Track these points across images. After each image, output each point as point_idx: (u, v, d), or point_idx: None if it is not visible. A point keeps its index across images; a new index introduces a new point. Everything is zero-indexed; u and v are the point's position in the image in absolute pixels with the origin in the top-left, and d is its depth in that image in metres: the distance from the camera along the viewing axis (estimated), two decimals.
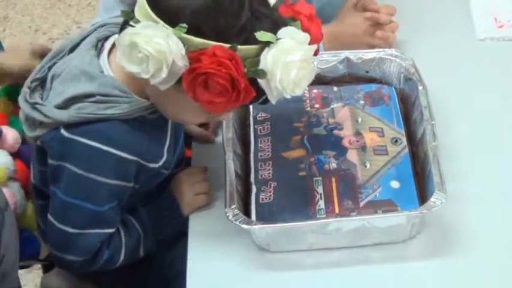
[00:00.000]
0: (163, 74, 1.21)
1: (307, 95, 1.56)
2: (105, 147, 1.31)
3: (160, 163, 1.38)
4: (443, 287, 1.35)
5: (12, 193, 1.42)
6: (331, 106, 1.54)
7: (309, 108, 1.54)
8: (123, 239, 1.41)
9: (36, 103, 1.34)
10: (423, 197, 1.38)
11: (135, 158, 1.33)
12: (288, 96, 1.27)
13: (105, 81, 1.31)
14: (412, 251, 1.39)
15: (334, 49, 1.63)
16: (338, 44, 1.67)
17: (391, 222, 1.36)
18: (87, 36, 1.38)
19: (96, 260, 1.39)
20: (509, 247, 1.40)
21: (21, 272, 1.55)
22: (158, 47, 1.19)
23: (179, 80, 1.23)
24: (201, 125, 1.59)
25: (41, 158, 1.38)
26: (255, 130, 1.51)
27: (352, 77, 1.60)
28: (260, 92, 1.26)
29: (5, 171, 1.42)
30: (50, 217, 1.37)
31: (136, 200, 1.45)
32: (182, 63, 1.21)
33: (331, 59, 1.59)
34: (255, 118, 1.53)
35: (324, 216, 1.37)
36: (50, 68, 1.38)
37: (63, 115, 1.31)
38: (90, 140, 1.30)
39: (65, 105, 1.32)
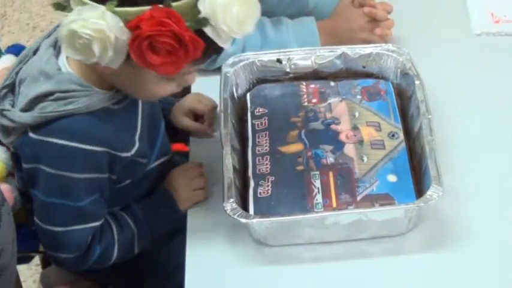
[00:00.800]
0: (110, 52, 1.20)
1: (305, 90, 1.57)
2: (71, 143, 1.31)
3: (133, 151, 1.38)
4: (441, 280, 1.36)
5: (11, 188, 1.42)
6: (329, 101, 1.55)
7: (306, 103, 1.55)
8: (115, 235, 1.42)
9: (3, 109, 1.35)
10: (420, 190, 1.39)
11: (103, 149, 1.33)
12: (239, 37, 1.26)
13: (62, 78, 1.31)
14: (410, 244, 1.40)
15: (331, 44, 1.65)
16: (334, 39, 1.68)
17: (388, 215, 1.36)
18: (49, 36, 1.39)
19: (89, 256, 1.40)
20: (505, 239, 1.40)
21: (20, 268, 1.57)
22: (96, 26, 1.18)
23: (129, 55, 1.22)
24: (196, 119, 1.60)
25: (18, 163, 1.39)
26: (253, 125, 1.52)
27: (349, 72, 1.61)
28: (210, 42, 1.24)
29: (4, 167, 1.43)
30: (35, 220, 1.39)
31: (129, 198, 1.46)
32: (125, 36, 1.20)
33: (328, 54, 1.60)
34: (252, 113, 1.54)
35: (322, 210, 1.37)
36: (17, 73, 1.39)
37: (28, 118, 1.32)
38: (55, 139, 1.31)
39: (28, 107, 1.32)
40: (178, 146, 1.70)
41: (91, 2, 1.20)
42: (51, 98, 1.31)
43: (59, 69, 1.33)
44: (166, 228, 1.47)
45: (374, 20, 1.70)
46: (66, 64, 1.33)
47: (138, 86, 1.32)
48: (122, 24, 1.19)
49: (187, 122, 1.59)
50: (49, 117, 1.31)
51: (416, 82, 1.52)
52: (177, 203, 1.46)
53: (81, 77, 1.32)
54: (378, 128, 1.49)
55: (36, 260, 1.81)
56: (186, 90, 1.66)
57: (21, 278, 1.65)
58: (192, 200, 1.47)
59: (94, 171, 1.35)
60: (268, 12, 1.70)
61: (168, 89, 1.34)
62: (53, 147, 1.31)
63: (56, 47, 1.36)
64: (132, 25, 1.19)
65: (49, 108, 1.30)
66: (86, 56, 1.22)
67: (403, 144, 1.46)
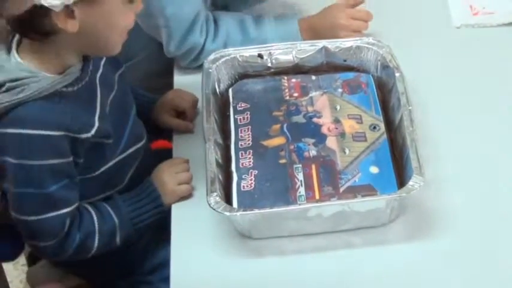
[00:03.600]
0: None
1: (286, 85, 1.58)
2: (26, 131, 1.31)
3: (93, 132, 1.37)
4: (424, 269, 1.37)
5: None
6: (310, 95, 1.56)
7: (288, 97, 1.56)
8: (96, 224, 1.43)
9: None
10: (402, 181, 1.40)
11: (61, 133, 1.33)
12: None
13: (10, 67, 1.32)
14: (392, 234, 1.41)
15: (312, 40, 1.65)
16: (316, 37, 1.68)
17: (371, 206, 1.38)
18: None
19: (68, 243, 1.41)
20: (486, 228, 1.42)
21: (6, 268, 1.59)
22: None
23: None
24: (178, 116, 1.62)
25: None
26: (235, 120, 1.53)
27: (330, 66, 1.62)
28: None
29: None
30: (11, 212, 1.39)
31: (108, 188, 1.47)
32: None
33: (309, 49, 1.61)
34: (235, 108, 1.55)
35: (305, 202, 1.38)
36: None
37: None
38: (12, 129, 1.32)
39: None
40: (161, 143, 1.72)
41: None
42: (3, 89, 1.31)
43: (8, 60, 1.34)
44: (149, 221, 1.48)
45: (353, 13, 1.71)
46: (17, 55, 1.34)
47: (108, 24, 1.31)
48: None
49: (169, 119, 1.61)
50: (3, 109, 1.31)
51: (397, 74, 1.53)
52: (161, 197, 1.48)
53: (30, 65, 1.32)
54: (359, 121, 1.50)
55: (23, 259, 1.82)
56: (168, 86, 1.69)
57: (8, 279, 1.66)
58: (177, 194, 1.48)
59: (56, 157, 1.34)
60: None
61: (132, 15, 1.34)
62: (11, 138, 1.32)
63: (8, 42, 1.36)
64: None
65: (3, 100, 1.31)
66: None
67: (385, 136, 1.48)
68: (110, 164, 1.45)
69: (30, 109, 1.31)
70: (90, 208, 1.44)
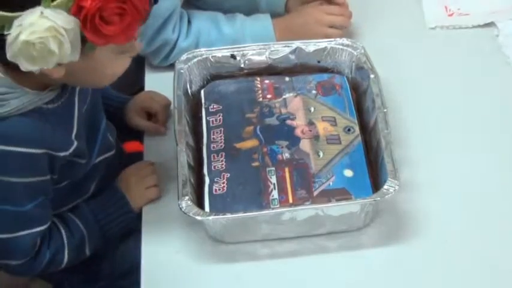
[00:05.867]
0: (66, 44, 1.17)
1: (259, 86, 1.58)
2: (7, 148, 1.29)
3: (71, 150, 1.36)
4: (398, 274, 1.37)
5: None
6: (284, 96, 1.56)
7: (261, 99, 1.56)
8: (64, 239, 1.41)
9: None
10: (376, 185, 1.40)
11: (42, 151, 1.32)
12: None
13: None
14: (367, 238, 1.41)
15: (286, 40, 1.64)
16: (289, 35, 1.68)
17: (345, 210, 1.37)
18: None
19: (38, 261, 1.39)
20: (461, 231, 1.42)
21: None
22: (43, 26, 1.15)
23: (83, 42, 1.20)
24: (150, 118, 1.61)
25: None
26: (207, 122, 1.52)
27: (304, 67, 1.62)
28: None
29: None
30: None
31: (74, 198, 1.46)
32: (72, 24, 1.17)
33: (282, 49, 1.61)
34: (207, 110, 1.54)
35: (278, 206, 1.38)
36: None
37: None
38: None
39: None
40: (132, 145, 1.71)
41: (23, 12, 1.17)
42: None
43: None
44: (118, 228, 1.47)
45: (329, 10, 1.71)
46: None
47: (97, 72, 1.30)
48: (65, 13, 1.17)
49: (140, 121, 1.59)
50: None
51: (371, 76, 1.53)
52: (129, 203, 1.46)
53: (11, 81, 1.29)
54: (334, 123, 1.50)
55: None
56: (139, 88, 1.68)
57: None
58: (145, 198, 1.47)
59: (35, 175, 1.33)
60: (217, 3, 1.72)
61: (124, 63, 1.32)
62: None
63: None
64: (75, 9, 1.17)
65: None
66: (46, 60, 1.18)
67: (359, 139, 1.47)
68: (76, 177, 1.44)
69: (12, 125, 1.28)
70: (58, 223, 1.42)
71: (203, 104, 1.56)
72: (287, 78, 1.59)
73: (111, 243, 1.50)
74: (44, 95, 1.31)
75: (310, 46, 1.60)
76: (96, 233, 1.45)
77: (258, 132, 1.49)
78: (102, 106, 1.50)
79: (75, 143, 1.37)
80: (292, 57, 1.61)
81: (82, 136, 1.40)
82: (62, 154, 1.35)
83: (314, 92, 1.56)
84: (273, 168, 1.43)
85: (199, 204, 1.38)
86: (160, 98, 1.62)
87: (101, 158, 1.48)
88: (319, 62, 1.61)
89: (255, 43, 1.62)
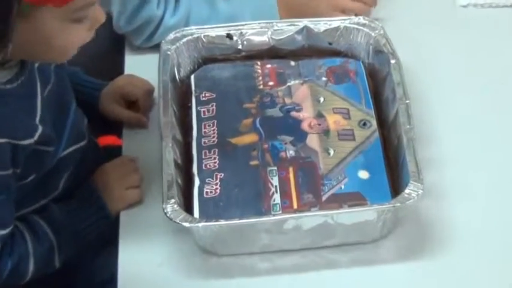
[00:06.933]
0: None
1: (260, 71, 1.58)
2: None
3: (35, 137, 1.36)
4: None
5: None
6: (288, 83, 1.56)
7: (261, 87, 1.56)
8: (29, 247, 1.41)
9: None
10: (396, 188, 1.40)
11: (3, 140, 1.31)
12: None
13: None
14: (384, 252, 1.41)
15: (292, 18, 1.65)
16: (296, 12, 1.69)
17: (359, 218, 1.37)
18: None
19: None
20: (495, 245, 1.42)
21: None
22: None
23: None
24: (129, 106, 1.61)
25: None
26: (198, 112, 1.53)
27: (313, 50, 1.62)
28: None
29: None
30: None
31: (40, 197, 1.46)
32: None
33: (287, 29, 1.61)
34: (197, 98, 1.55)
35: (280, 212, 1.38)
36: None
37: None
38: None
39: None
40: (109, 140, 1.72)
41: None
42: None
43: None
44: (93, 235, 1.47)
45: None
46: None
47: (45, 42, 1.29)
48: None
49: (118, 111, 1.60)
50: None
51: (392, 61, 1.53)
52: (106, 205, 1.46)
53: None
54: (347, 116, 1.50)
55: None
56: (118, 74, 1.68)
57: None
58: (125, 200, 1.47)
59: None
60: None
61: (79, 33, 1.31)
62: None
63: None
64: None
65: None
66: None
67: (376, 134, 1.48)
68: (43, 170, 1.44)
69: None
70: (21, 227, 1.42)
71: (193, 92, 1.56)
72: (292, 63, 1.60)
73: (85, 253, 1.50)
74: (1, 73, 1.31)
75: (320, 25, 1.61)
76: (67, 241, 1.44)
77: (258, 125, 1.50)
78: (70, 87, 1.50)
79: (40, 128, 1.37)
80: (299, 37, 1.61)
81: (48, 121, 1.39)
82: (25, 142, 1.35)
83: (324, 79, 1.56)
84: (275, 168, 1.44)
85: (188, 208, 1.38)
86: (142, 82, 1.62)
87: (71, 149, 1.48)
88: (330, 44, 1.62)
89: (255, 20, 1.62)
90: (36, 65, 1.39)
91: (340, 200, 1.39)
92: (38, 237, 1.43)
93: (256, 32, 1.61)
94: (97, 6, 1.31)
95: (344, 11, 1.71)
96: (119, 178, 1.48)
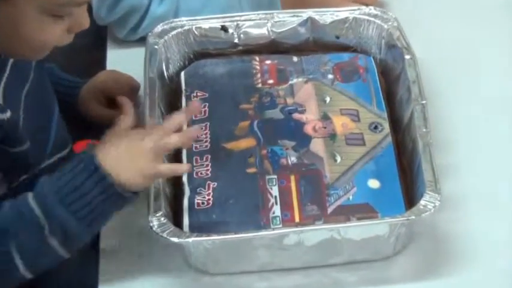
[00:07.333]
0: None
1: (258, 68, 1.59)
2: None
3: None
4: None
5: None
6: (290, 82, 1.57)
7: (260, 85, 1.57)
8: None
9: None
10: (410, 199, 1.40)
11: None
12: None
13: None
14: (397, 271, 1.41)
15: (294, 8, 1.66)
16: (300, 4, 1.68)
17: (369, 232, 1.36)
18: None
19: None
20: None
21: None
22: None
23: None
24: (111, 105, 1.58)
25: None
26: None
27: (318, 44, 1.63)
28: None
29: None
30: None
31: None
32: None
33: (289, 20, 1.62)
34: (188, 98, 1.55)
35: (280, 226, 1.37)
36: None
37: None
38: None
39: None
40: (85, 144, 1.69)
41: None
42: None
43: None
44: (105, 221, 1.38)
45: None
46: None
47: (18, 33, 1.29)
48: None
49: (98, 109, 1.59)
50: None
51: (407, 57, 1.54)
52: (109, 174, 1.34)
53: None
54: (356, 118, 1.50)
55: None
56: (99, 68, 1.69)
57: None
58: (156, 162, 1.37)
59: None
60: None
61: (56, 31, 1.31)
62: None
63: None
64: None
65: None
66: None
67: (389, 139, 1.48)
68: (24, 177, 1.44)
69: None
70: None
71: (183, 91, 1.56)
72: (295, 59, 1.60)
73: (65, 264, 1.44)
74: None
75: (326, 16, 1.62)
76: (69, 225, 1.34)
77: (256, 128, 1.50)
78: (52, 88, 1.50)
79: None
80: (302, 30, 1.62)
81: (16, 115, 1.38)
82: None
83: (330, 76, 1.57)
84: (275, 176, 1.43)
85: (177, 222, 1.38)
86: (126, 78, 1.62)
87: (56, 157, 1.48)
88: (337, 37, 1.63)
89: (254, 10, 1.64)
90: (11, 61, 1.40)
91: (347, 213, 1.39)
92: (22, 220, 1.36)
93: (254, 24, 1.62)
94: (84, 10, 1.33)
95: (355, 0, 1.72)
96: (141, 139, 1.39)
